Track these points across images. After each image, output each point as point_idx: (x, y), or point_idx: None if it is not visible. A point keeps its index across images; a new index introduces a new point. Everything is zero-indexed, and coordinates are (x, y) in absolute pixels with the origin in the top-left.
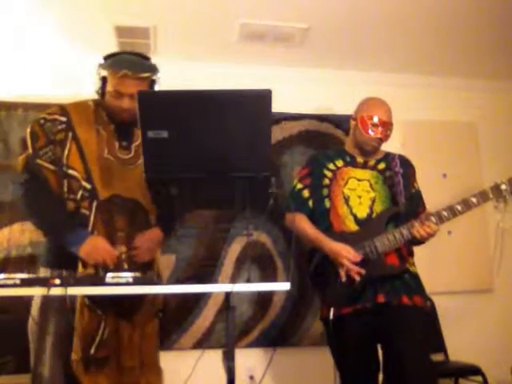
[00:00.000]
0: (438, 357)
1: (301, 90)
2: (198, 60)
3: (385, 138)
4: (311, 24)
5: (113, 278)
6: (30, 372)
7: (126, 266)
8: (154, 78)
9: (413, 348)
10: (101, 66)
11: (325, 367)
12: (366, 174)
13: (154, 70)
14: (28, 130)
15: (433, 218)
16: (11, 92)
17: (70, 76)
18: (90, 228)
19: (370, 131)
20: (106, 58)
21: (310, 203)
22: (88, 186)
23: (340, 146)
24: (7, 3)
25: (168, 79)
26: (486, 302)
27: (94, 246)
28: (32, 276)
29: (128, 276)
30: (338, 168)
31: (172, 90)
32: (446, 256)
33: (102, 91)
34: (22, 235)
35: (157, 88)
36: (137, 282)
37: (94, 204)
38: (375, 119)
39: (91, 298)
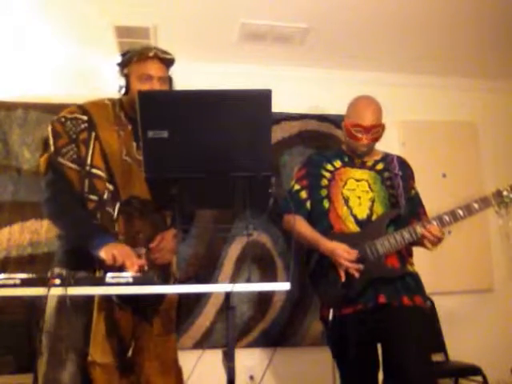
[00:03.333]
0: (437, 357)
1: (301, 90)
2: (198, 60)
3: (372, 141)
4: (311, 24)
5: (113, 277)
6: (32, 372)
7: (146, 268)
8: (169, 72)
9: (413, 348)
10: (124, 61)
11: (325, 367)
12: (364, 174)
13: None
14: (49, 128)
15: (434, 222)
16: (11, 92)
17: (70, 76)
18: (116, 228)
19: (356, 137)
20: (124, 54)
21: (308, 204)
22: (111, 188)
23: (337, 147)
24: (7, 3)
25: None
26: (486, 302)
27: (116, 247)
28: (32, 276)
29: (128, 276)
30: (337, 169)
31: (172, 90)
32: (445, 256)
33: (127, 87)
34: (21, 235)
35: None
36: (137, 281)
37: (117, 206)
38: (359, 126)
39: (120, 297)
